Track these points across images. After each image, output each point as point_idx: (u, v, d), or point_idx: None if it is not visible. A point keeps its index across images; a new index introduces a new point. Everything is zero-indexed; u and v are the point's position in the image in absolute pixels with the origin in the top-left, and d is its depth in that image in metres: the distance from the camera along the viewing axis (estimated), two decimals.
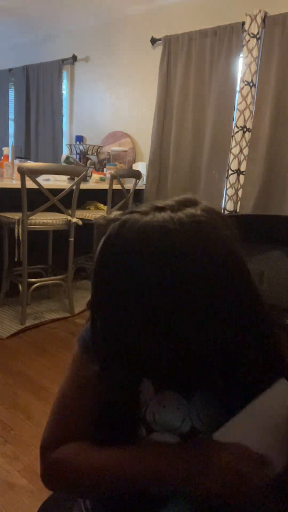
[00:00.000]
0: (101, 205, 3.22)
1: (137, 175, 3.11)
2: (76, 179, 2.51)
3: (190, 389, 0.57)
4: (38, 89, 4.43)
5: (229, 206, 3.05)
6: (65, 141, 4.34)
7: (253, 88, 2.89)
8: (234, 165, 3.00)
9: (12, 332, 2.36)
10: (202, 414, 0.56)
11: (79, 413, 0.57)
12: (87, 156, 3.96)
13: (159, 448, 0.52)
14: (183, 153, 3.32)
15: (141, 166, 3.60)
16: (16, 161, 3.00)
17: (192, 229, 0.46)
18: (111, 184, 2.85)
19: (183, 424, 0.56)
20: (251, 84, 2.88)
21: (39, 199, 2.35)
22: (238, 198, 3.05)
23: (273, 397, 0.50)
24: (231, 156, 3.00)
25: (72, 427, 0.57)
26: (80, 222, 2.59)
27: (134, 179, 3.10)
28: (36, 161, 4.02)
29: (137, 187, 3.24)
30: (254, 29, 2.82)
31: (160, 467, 0.49)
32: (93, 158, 3.97)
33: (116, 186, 2.90)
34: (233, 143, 2.97)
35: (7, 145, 4.08)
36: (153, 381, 0.58)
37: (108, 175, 3.12)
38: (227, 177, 3.05)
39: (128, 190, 3.05)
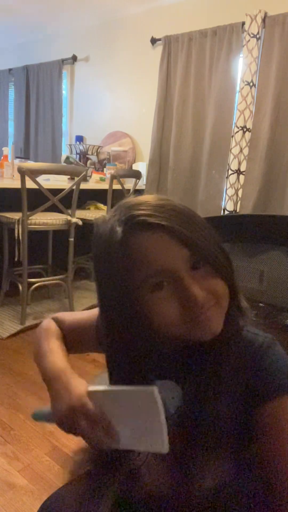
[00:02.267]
0: (101, 205, 3.22)
1: (137, 175, 3.11)
2: (76, 179, 2.51)
3: (183, 376, 0.57)
4: (38, 89, 4.43)
5: (229, 206, 3.05)
6: (65, 141, 4.34)
7: (253, 88, 2.89)
8: (234, 165, 3.00)
9: (12, 332, 2.36)
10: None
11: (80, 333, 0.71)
12: (87, 156, 3.96)
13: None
14: (183, 153, 3.32)
15: (141, 166, 3.60)
16: (16, 161, 3.00)
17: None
18: (111, 184, 2.85)
19: (176, 414, 0.56)
20: (251, 84, 2.88)
21: (39, 199, 2.35)
22: (238, 198, 3.05)
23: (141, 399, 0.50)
24: (231, 156, 3.00)
25: (70, 333, 0.72)
26: (80, 222, 2.59)
27: (134, 179, 3.11)
28: (35, 161, 4.03)
29: (137, 187, 3.24)
30: (254, 29, 2.82)
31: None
32: (93, 158, 3.97)
33: (116, 186, 2.90)
34: (233, 143, 2.97)
35: (7, 145, 4.08)
36: (149, 370, 0.59)
37: (108, 175, 3.12)
38: (227, 177, 3.05)
39: (128, 190, 3.05)
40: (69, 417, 0.53)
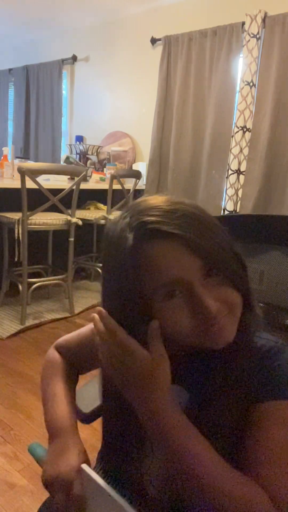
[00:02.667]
0: (101, 205, 3.22)
1: (137, 175, 3.11)
2: (76, 179, 2.51)
3: (190, 381, 0.57)
4: (38, 89, 4.43)
5: (229, 206, 3.05)
6: (65, 141, 4.35)
7: (253, 88, 2.90)
8: (234, 165, 3.00)
9: (12, 332, 2.36)
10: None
11: (86, 352, 0.69)
12: (87, 156, 3.96)
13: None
14: (183, 153, 3.32)
15: (141, 166, 3.60)
16: (16, 161, 3.00)
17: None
18: (111, 184, 2.85)
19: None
20: (251, 84, 2.88)
21: (39, 199, 2.35)
22: (238, 198, 3.05)
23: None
24: (231, 156, 3.00)
25: (76, 355, 0.72)
26: (80, 222, 2.59)
27: (134, 179, 3.11)
28: (35, 161, 4.03)
29: (137, 187, 3.24)
30: (254, 29, 2.82)
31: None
32: (93, 158, 3.97)
33: (116, 186, 2.90)
34: (233, 143, 2.97)
35: (7, 145, 4.08)
36: None
37: (108, 175, 3.12)
38: (227, 177, 3.05)
39: (128, 190, 3.05)
40: (52, 482, 0.54)
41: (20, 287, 2.49)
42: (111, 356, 0.50)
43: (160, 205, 0.49)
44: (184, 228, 0.47)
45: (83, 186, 2.75)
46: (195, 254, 0.46)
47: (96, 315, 0.51)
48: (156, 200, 0.51)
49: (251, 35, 2.83)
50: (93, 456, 0.71)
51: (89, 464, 0.57)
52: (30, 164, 2.70)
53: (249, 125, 2.94)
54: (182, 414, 0.50)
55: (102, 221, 2.92)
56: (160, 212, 0.48)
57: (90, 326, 0.72)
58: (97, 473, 0.57)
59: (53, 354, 0.76)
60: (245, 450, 0.51)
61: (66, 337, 0.76)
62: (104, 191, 2.94)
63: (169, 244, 0.46)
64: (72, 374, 0.74)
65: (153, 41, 3.49)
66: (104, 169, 3.68)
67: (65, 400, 0.68)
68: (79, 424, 0.74)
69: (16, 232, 2.34)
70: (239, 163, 3.00)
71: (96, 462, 0.72)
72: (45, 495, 0.76)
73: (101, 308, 0.51)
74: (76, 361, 0.73)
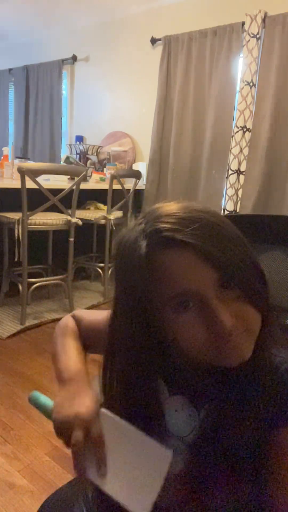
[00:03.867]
0: (101, 205, 3.22)
1: (137, 175, 3.11)
2: (76, 179, 2.51)
3: (199, 399, 0.55)
4: (38, 89, 4.43)
5: (229, 206, 3.05)
6: (65, 141, 4.35)
7: (253, 88, 2.89)
8: (234, 165, 3.00)
9: (12, 332, 2.36)
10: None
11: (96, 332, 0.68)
12: (87, 156, 3.96)
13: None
14: (183, 153, 3.32)
15: (141, 166, 3.60)
16: (16, 161, 3.00)
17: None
18: (111, 184, 2.85)
19: (191, 434, 0.54)
20: (251, 84, 2.88)
21: (39, 199, 2.35)
22: (238, 198, 3.05)
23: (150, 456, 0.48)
24: (231, 156, 3.00)
25: (87, 331, 0.71)
26: (80, 222, 2.59)
27: (134, 179, 3.11)
28: (35, 161, 4.03)
29: (137, 187, 3.24)
30: (254, 29, 2.82)
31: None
32: (93, 158, 3.97)
33: (116, 186, 2.90)
34: (233, 143, 2.97)
35: (7, 145, 4.08)
36: (167, 384, 0.57)
37: (108, 175, 3.12)
38: (227, 177, 3.05)
39: (128, 190, 3.05)
40: (70, 423, 0.51)
41: (20, 287, 2.49)
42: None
43: (176, 212, 0.47)
44: (200, 237, 0.44)
45: (83, 186, 2.75)
46: (211, 265, 0.44)
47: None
48: (173, 206, 0.49)
49: (251, 35, 2.83)
50: None
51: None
52: (30, 164, 2.69)
53: (249, 125, 2.94)
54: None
55: (102, 221, 2.92)
56: (176, 219, 0.46)
57: (107, 312, 0.71)
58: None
59: (67, 319, 0.75)
60: (266, 474, 0.49)
61: (83, 312, 0.75)
62: (104, 191, 2.94)
63: (183, 253, 0.44)
64: (83, 344, 0.72)
65: (153, 41, 3.49)
66: (104, 169, 3.68)
67: (76, 352, 0.66)
68: None
69: (16, 232, 2.34)
70: (239, 163, 3.00)
71: None
72: (45, 495, 0.77)
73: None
74: (86, 337, 0.71)
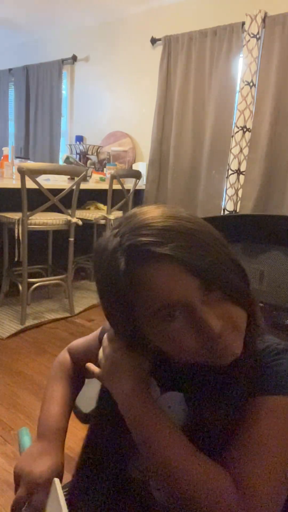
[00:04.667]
0: (101, 205, 3.22)
1: (137, 175, 3.11)
2: (76, 179, 2.51)
3: (191, 393, 0.56)
4: (38, 89, 4.43)
5: (229, 206, 3.05)
6: (65, 141, 4.35)
7: (253, 88, 2.89)
8: (234, 165, 3.00)
9: (12, 332, 2.36)
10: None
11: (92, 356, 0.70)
12: (87, 156, 3.96)
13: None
14: (183, 153, 3.32)
15: (141, 166, 3.60)
16: (16, 161, 3.00)
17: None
18: (111, 184, 2.85)
19: (186, 424, 0.55)
20: (251, 84, 2.88)
21: (39, 199, 2.35)
22: (238, 198, 3.05)
23: None
24: (231, 156, 3.00)
25: (83, 359, 0.73)
26: (80, 222, 2.59)
27: (134, 179, 3.10)
28: (35, 161, 4.03)
29: (137, 187, 3.24)
30: (254, 29, 2.82)
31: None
32: (93, 158, 3.97)
33: (116, 186, 2.90)
34: (233, 143, 2.97)
35: (7, 145, 4.08)
36: (158, 382, 0.58)
37: (108, 175, 3.12)
38: (227, 177, 3.05)
39: (128, 190, 3.05)
40: (21, 477, 0.59)
41: (20, 287, 2.49)
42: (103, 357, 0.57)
43: (152, 222, 0.46)
44: (178, 247, 0.44)
45: (83, 186, 2.75)
46: (192, 274, 0.44)
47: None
48: (149, 214, 0.47)
49: (251, 35, 2.83)
50: None
51: (61, 478, 0.59)
52: (30, 164, 2.69)
53: (249, 125, 2.94)
54: (154, 402, 0.52)
55: (102, 221, 2.92)
56: (152, 231, 0.45)
57: (97, 331, 0.74)
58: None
59: (63, 355, 0.78)
60: (231, 441, 0.50)
61: (77, 341, 0.78)
62: (104, 191, 2.94)
63: (163, 266, 0.44)
64: (78, 377, 0.76)
65: (153, 41, 3.49)
66: (104, 169, 3.68)
67: (61, 402, 0.70)
68: (79, 424, 0.74)
69: (16, 232, 2.34)
70: (239, 163, 3.00)
71: None
72: None
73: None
74: (83, 364, 0.73)
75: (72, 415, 0.81)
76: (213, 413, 0.52)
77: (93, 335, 0.74)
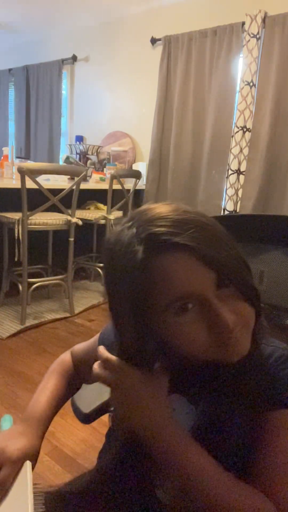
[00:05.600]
0: (101, 205, 3.22)
1: (137, 175, 3.11)
2: (76, 179, 2.51)
3: (197, 396, 0.56)
4: (38, 89, 4.43)
5: (229, 206, 3.05)
6: (65, 141, 4.35)
7: (253, 88, 2.89)
8: (234, 165, 3.00)
9: (12, 332, 2.36)
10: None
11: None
12: (87, 156, 3.96)
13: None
14: (183, 153, 3.32)
15: (141, 166, 3.60)
16: (16, 161, 3.00)
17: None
18: (111, 184, 2.85)
19: (190, 431, 0.54)
20: (251, 84, 2.88)
21: (39, 199, 2.35)
22: (238, 198, 3.05)
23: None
24: (231, 156, 3.00)
25: (83, 363, 0.74)
26: (80, 222, 2.59)
27: (134, 179, 3.11)
28: (35, 161, 4.03)
29: (137, 187, 3.24)
30: (254, 29, 2.82)
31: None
32: (93, 158, 3.97)
33: (116, 186, 2.90)
34: (233, 143, 2.97)
35: (7, 145, 4.08)
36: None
37: (108, 175, 3.12)
38: (227, 177, 3.05)
39: (128, 190, 3.05)
40: None
41: (20, 287, 2.49)
42: (111, 386, 0.50)
43: (169, 214, 0.46)
44: (196, 239, 0.44)
45: (83, 186, 2.75)
46: (209, 266, 0.44)
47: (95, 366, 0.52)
48: (163, 209, 0.48)
49: (251, 35, 2.83)
50: (92, 456, 0.71)
51: (33, 465, 0.60)
52: (30, 164, 2.69)
53: (249, 125, 2.94)
54: (181, 428, 0.49)
55: (102, 221, 2.92)
56: (170, 222, 0.45)
57: (98, 335, 0.73)
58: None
59: (65, 355, 0.78)
60: (255, 460, 0.50)
61: (80, 344, 0.78)
62: (104, 191, 2.94)
63: (181, 256, 0.44)
64: (75, 378, 0.76)
65: (153, 41, 3.49)
66: (104, 169, 3.68)
67: (51, 393, 0.70)
68: (79, 424, 0.74)
69: (16, 232, 2.34)
70: (239, 163, 3.00)
71: (97, 461, 0.72)
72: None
73: (100, 349, 0.53)
74: (82, 369, 0.74)
75: (72, 415, 0.81)
76: (225, 415, 0.51)
77: (94, 339, 0.74)
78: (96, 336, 0.73)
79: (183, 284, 0.44)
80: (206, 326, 0.46)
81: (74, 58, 4.15)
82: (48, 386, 0.71)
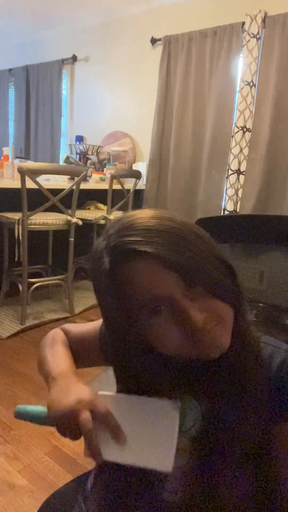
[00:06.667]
0: (101, 205, 3.22)
1: (137, 175, 3.11)
2: (76, 179, 2.51)
3: (201, 392, 0.56)
4: (38, 89, 4.43)
5: (229, 206, 3.05)
6: (65, 141, 4.35)
7: (253, 88, 2.89)
8: (234, 165, 3.00)
9: (12, 332, 2.36)
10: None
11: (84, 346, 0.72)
12: (87, 156, 3.96)
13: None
14: (183, 153, 3.32)
15: (141, 166, 3.60)
16: (16, 161, 3.00)
17: None
18: (111, 184, 2.85)
19: (194, 427, 0.55)
20: (251, 84, 2.88)
21: (39, 199, 2.35)
22: (238, 198, 3.05)
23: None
24: (231, 156, 3.00)
25: (75, 345, 0.73)
26: (80, 222, 2.59)
27: (134, 179, 3.11)
28: (35, 161, 4.03)
29: (137, 187, 3.24)
30: (254, 29, 2.82)
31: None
32: (93, 158, 3.97)
33: (116, 186, 2.90)
34: (233, 143, 2.97)
35: (7, 145, 4.08)
36: (164, 385, 0.57)
37: (108, 175, 3.12)
38: (227, 177, 3.05)
39: (128, 190, 3.05)
40: (72, 410, 0.51)
41: (20, 287, 2.49)
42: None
43: (135, 223, 0.49)
44: (159, 245, 0.46)
45: (83, 186, 2.75)
46: (173, 270, 0.46)
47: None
48: (134, 216, 0.50)
49: (251, 35, 2.83)
50: None
51: None
52: (30, 164, 2.69)
53: (249, 125, 2.94)
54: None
55: (102, 221, 2.92)
56: (135, 231, 0.48)
57: (94, 323, 0.73)
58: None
59: (55, 330, 0.77)
60: (275, 469, 0.51)
61: (71, 325, 0.77)
62: (104, 191, 2.94)
63: (145, 262, 0.46)
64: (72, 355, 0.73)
65: (153, 41, 3.49)
66: (104, 169, 3.68)
67: (65, 356, 0.67)
68: None
69: (16, 232, 2.34)
70: (239, 163, 3.00)
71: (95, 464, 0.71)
72: (45, 495, 0.77)
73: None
74: (75, 350, 0.72)
75: None
76: (230, 417, 0.52)
77: (92, 326, 0.72)
78: (95, 324, 0.72)
79: (150, 288, 0.47)
80: (178, 326, 0.47)
81: (74, 58, 4.15)
82: (56, 352, 0.69)
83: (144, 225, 0.48)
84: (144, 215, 0.50)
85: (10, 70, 4.72)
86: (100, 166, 3.87)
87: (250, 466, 0.52)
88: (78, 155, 3.96)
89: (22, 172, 2.23)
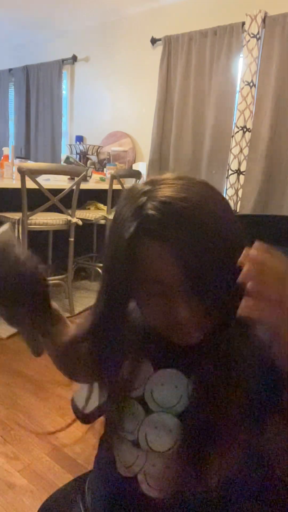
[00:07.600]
0: (101, 205, 3.22)
1: (137, 175, 3.11)
2: (76, 179, 2.51)
3: (189, 365, 0.56)
4: (38, 89, 4.43)
5: None
6: (65, 141, 4.35)
7: (253, 88, 2.90)
8: (234, 165, 3.00)
9: (12, 332, 2.36)
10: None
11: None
12: (87, 156, 3.96)
13: None
14: (183, 153, 3.32)
15: (141, 166, 3.60)
16: (16, 161, 3.00)
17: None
18: (111, 184, 2.85)
19: (180, 402, 0.55)
20: (251, 84, 2.88)
21: (39, 199, 2.35)
22: (238, 198, 3.05)
23: None
24: (231, 156, 3.00)
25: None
26: (80, 222, 2.59)
27: (134, 179, 3.11)
28: (35, 161, 4.03)
29: None
30: (254, 29, 2.82)
31: None
32: (93, 158, 3.97)
33: (116, 186, 2.90)
34: (233, 143, 2.98)
35: (7, 145, 4.08)
36: (152, 361, 0.58)
37: (108, 175, 3.12)
38: (227, 177, 3.05)
39: None
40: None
41: None
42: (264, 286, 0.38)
43: (173, 200, 0.46)
44: (182, 241, 0.45)
45: (83, 186, 2.75)
46: (184, 269, 0.46)
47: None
48: (175, 187, 0.48)
49: (251, 35, 2.83)
50: (92, 456, 0.71)
51: None
52: (30, 164, 2.70)
53: (249, 125, 2.94)
54: None
55: (102, 221, 2.92)
56: (170, 210, 0.46)
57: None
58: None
59: None
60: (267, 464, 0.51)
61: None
62: (104, 191, 2.94)
63: (164, 249, 0.46)
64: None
65: (153, 41, 3.49)
66: (104, 169, 3.68)
67: None
68: (79, 424, 0.74)
69: (16, 232, 2.34)
70: (239, 163, 3.00)
71: (94, 465, 0.71)
72: (45, 495, 0.76)
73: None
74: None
75: (72, 415, 0.81)
76: (221, 392, 0.51)
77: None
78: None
79: (157, 272, 0.48)
80: (165, 313, 0.50)
81: (74, 58, 4.15)
82: None
83: (178, 207, 0.46)
84: (178, 188, 0.47)
85: (10, 70, 4.73)
86: (100, 166, 3.87)
87: (237, 441, 0.52)
88: (78, 155, 3.96)
89: (22, 172, 2.23)
